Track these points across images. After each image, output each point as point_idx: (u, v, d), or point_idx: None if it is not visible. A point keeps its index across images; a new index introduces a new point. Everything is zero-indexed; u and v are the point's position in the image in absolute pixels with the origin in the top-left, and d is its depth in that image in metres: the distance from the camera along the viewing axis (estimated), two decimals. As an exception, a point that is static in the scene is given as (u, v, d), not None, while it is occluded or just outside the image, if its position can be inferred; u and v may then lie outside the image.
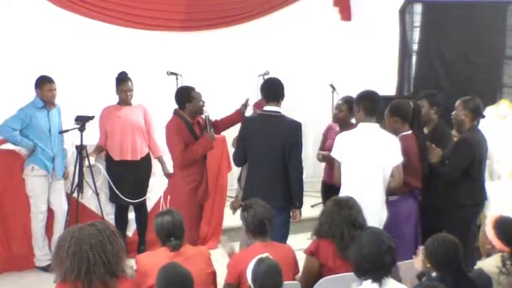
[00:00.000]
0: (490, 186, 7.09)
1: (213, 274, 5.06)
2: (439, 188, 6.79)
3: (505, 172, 8.49)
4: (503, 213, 5.09)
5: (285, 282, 4.76)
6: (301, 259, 5.22)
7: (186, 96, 6.84)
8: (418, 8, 10.94)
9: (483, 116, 6.73)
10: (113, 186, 7.68)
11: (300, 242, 6.28)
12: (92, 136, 7.69)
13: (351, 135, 6.01)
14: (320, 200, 8.05)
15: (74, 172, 7.51)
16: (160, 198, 8.17)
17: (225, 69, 10.33)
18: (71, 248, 3.94)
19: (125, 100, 7.73)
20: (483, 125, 6.84)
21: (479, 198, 6.76)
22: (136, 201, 7.78)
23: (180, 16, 10.24)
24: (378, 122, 6.07)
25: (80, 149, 7.44)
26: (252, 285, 4.37)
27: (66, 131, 7.57)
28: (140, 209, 7.96)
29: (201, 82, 9.43)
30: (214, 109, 10.03)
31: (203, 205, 7.24)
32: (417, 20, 10.94)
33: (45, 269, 7.55)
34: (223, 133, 8.68)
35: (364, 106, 5.98)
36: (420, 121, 6.81)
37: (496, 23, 9.96)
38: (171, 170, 7.97)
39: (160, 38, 10.09)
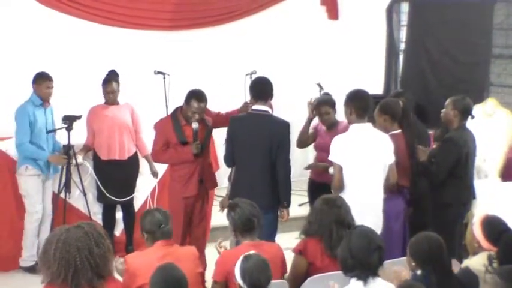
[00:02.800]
0: (477, 185, 7.11)
1: (202, 274, 5.06)
2: (426, 186, 6.82)
3: (492, 171, 8.52)
4: (490, 212, 5.11)
5: (273, 281, 4.77)
6: (289, 258, 5.22)
7: (187, 98, 6.80)
8: (405, 7, 10.95)
9: (473, 117, 6.76)
10: (100, 185, 7.65)
11: (287, 241, 6.28)
12: (79, 136, 7.66)
13: (348, 137, 5.96)
14: (308, 199, 8.04)
15: (61, 172, 7.48)
16: (147, 197, 8.14)
17: (212, 69, 10.29)
18: (58, 252, 3.91)
19: (108, 101, 7.70)
20: (470, 124, 6.86)
21: (465, 198, 6.78)
22: (124, 200, 7.75)
23: (168, 15, 10.20)
24: (369, 121, 6.08)
25: (68, 148, 7.40)
26: (241, 283, 4.36)
27: (53, 130, 7.54)
28: (128, 208, 7.94)
29: (188, 81, 9.41)
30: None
31: (204, 196, 7.13)
32: (404, 19, 10.96)
33: (29, 269, 7.49)
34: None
35: (355, 108, 5.95)
36: (409, 120, 6.85)
37: (483, 22, 9.99)
38: (158, 169, 7.96)
39: (148, 37, 10.05)
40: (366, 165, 5.85)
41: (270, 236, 6.24)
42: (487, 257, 4.67)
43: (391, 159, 5.99)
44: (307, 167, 7.38)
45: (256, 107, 6.41)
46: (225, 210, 6.77)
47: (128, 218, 7.96)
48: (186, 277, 4.21)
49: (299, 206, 8.92)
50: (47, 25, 9.31)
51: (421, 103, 8.07)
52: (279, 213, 6.52)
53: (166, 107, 8.80)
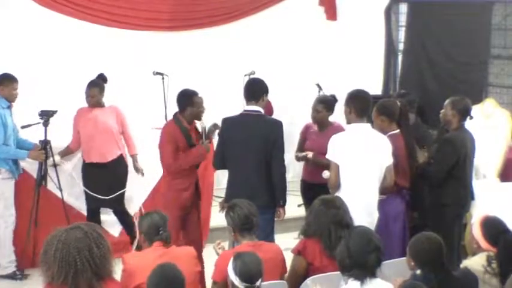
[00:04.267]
0: (475, 185, 7.11)
1: (200, 274, 5.06)
2: (424, 187, 6.83)
3: (490, 171, 8.52)
4: (489, 212, 5.11)
5: (272, 282, 4.78)
6: (288, 259, 5.22)
7: (188, 100, 6.81)
8: (403, 8, 10.98)
9: (471, 117, 6.77)
10: (83, 186, 7.63)
11: (286, 242, 6.28)
12: (57, 132, 7.65)
13: (346, 137, 5.98)
14: (302, 200, 8.04)
15: (40, 167, 7.43)
16: (140, 208, 8.08)
17: (211, 69, 10.31)
18: (58, 252, 3.91)
19: (89, 104, 7.65)
20: (468, 124, 6.87)
21: (464, 198, 6.78)
22: (109, 197, 7.63)
23: (166, 16, 10.21)
24: (368, 122, 6.09)
25: (44, 143, 7.38)
26: (234, 280, 4.35)
27: (29, 125, 7.48)
28: (120, 214, 7.90)
29: (187, 82, 9.40)
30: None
31: (196, 207, 7.09)
32: (403, 19, 10.99)
33: (9, 277, 7.43)
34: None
35: (355, 107, 5.96)
36: (408, 120, 6.85)
37: (481, 23, 10.00)
38: (141, 166, 7.97)
39: (146, 38, 10.05)
40: (363, 165, 5.85)
41: (268, 236, 6.24)
42: (486, 258, 4.67)
43: (389, 160, 6.00)
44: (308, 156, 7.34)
45: (247, 107, 6.42)
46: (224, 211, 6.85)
47: (124, 221, 7.92)
48: (183, 276, 4.21)
49: (298, 206, 8.91)
50: (43, 25, 9.31)
51: (419, 103, 8.09)
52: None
53: (165, 108, 8.81)
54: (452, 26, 10.20)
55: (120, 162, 7.84)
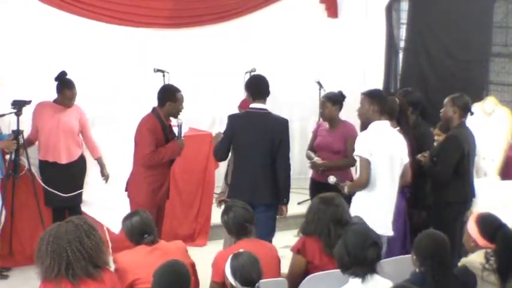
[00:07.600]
0: (476, 183, 7.11)
1: (192, 265, 5.03)
2: (427, 185, 6.82)
3: (491, 169, 8.52)
4: (489, 210, 5.09)
5: (273, 279, 4.78)
6: (288, 257, 5.23)
7: (170, 95, 6.76)
8: (404, 5, 10.95)
9: (472, 113, 6.76)
10: (42, 182, 7.47)
11: (286, 240, 6.28)
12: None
13: (373, 134, 5.97)
14: (307, 197, 8.04)
15: (10, 156, 7.35)
16: None
17: (211, 66, 10.30)
18: (50, 246, 4.01)
19: (66, 105, 7.45)
20: (469, 122, 6.87)
21: (466, 196, 6.78)
22: (68, 195, 7.45)
23: (167, 13, 10.20)
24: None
25: (17, 133, 7.27)
26: (232, 281, 4.36)
27: (3, 115, 7.43)
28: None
29: (187, 79, 9.45)
30: (201, 106, 10.10)
31: (164, 206, 7.06)
32: (404, 17, 10.96)
33: None
34: (209, 130, 8.67)
35: (380, 106, 6.00)
36: (408, 118, 6.85)
37: (482, 20, 9.99)
38: (109, 172, 7.81)
39: (147, 35, 10.04)
40: (389, 162, 5.91)
41: (270, 234, 6.26)
42: (484, 255, 4.65)
43: (407, 158, 6.07)
44: (311, 166, 7.34)
45: (254, 105, 6.42)
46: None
47: None
48: (189, 273, 4.23)
49: (298, 204, 8.93)
50: (46, 23, 9.30)
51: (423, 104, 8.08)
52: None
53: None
54: (453, 23, 10.19)
55: (80, 164, 7.65)
